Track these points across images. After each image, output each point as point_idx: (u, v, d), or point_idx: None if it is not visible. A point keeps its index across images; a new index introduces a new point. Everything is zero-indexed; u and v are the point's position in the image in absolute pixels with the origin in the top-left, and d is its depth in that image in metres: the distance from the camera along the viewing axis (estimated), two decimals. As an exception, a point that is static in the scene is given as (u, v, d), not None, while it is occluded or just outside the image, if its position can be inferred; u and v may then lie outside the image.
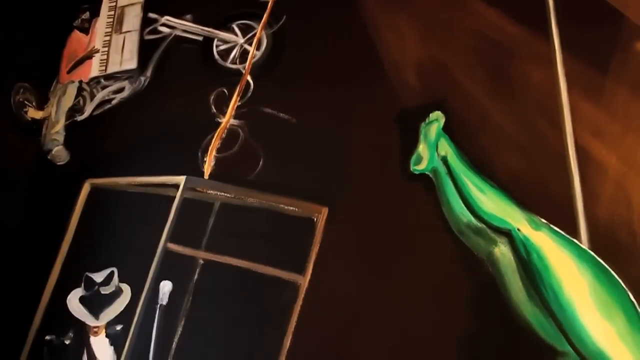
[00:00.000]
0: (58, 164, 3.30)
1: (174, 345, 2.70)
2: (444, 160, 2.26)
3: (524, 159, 2.16)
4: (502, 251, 2.13)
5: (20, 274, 3.11)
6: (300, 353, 2.45)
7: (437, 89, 2.36)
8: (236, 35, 3.03)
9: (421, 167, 2.31)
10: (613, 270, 1.93)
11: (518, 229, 2.08)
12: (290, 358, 2.45)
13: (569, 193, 2.04)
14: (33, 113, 3.45)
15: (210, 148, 2.83)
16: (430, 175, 2.29)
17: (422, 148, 2.32)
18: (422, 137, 2.33)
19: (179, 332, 2.71)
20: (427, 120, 2.34)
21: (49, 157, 3.31)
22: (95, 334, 2.74)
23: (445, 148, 2.27)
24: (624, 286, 1.92)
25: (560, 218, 2.03)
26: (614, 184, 2.00)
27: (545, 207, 2.07)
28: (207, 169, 2.81)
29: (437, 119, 2.32)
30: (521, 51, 2.25)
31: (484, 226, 2.16)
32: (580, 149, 2.06)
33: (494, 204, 2.14)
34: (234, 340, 2.61)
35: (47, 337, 2.81)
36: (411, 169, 2.33)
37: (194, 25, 3.13)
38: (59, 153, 3.29)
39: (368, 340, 2.33)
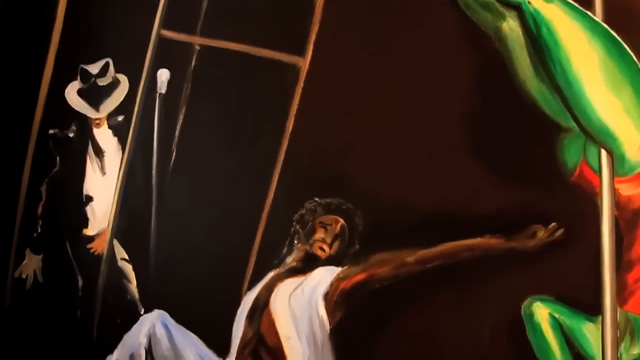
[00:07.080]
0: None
1: (176, 133, 2.74)
2: None
3: None
4: (511, 26, 2.05)
5: (14, 71, 3.08)
6: (302, 136, 2.48)
7: None
8: None
9: None
10: (626, 44, 1.87)
11: (528, 2, 1.98)
12: (292, 141, 2.48)
13: (586, -39, 1.92)
14: None
15: None
16: (436, -57, 2.14)
17: None
18: None
19: (180, 120, 2.74)
20: None
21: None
22: (98, 125, 2.79)
23: None
24: (636, 60, 1.87)
25: (573, -11, 1.94)
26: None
27: (559, -24, 1.96)
28: (196, -55, 2.65)
29: None
30: None
31: (493, -1, 2.06)
32: None
33: (503, -26, 2.04)
34: (236, 125, 2.64)
35: (51, 131, 2.87)
36: (415, -63, 2.18)
37: None
38: None
39: (372, 119, 2.33)
